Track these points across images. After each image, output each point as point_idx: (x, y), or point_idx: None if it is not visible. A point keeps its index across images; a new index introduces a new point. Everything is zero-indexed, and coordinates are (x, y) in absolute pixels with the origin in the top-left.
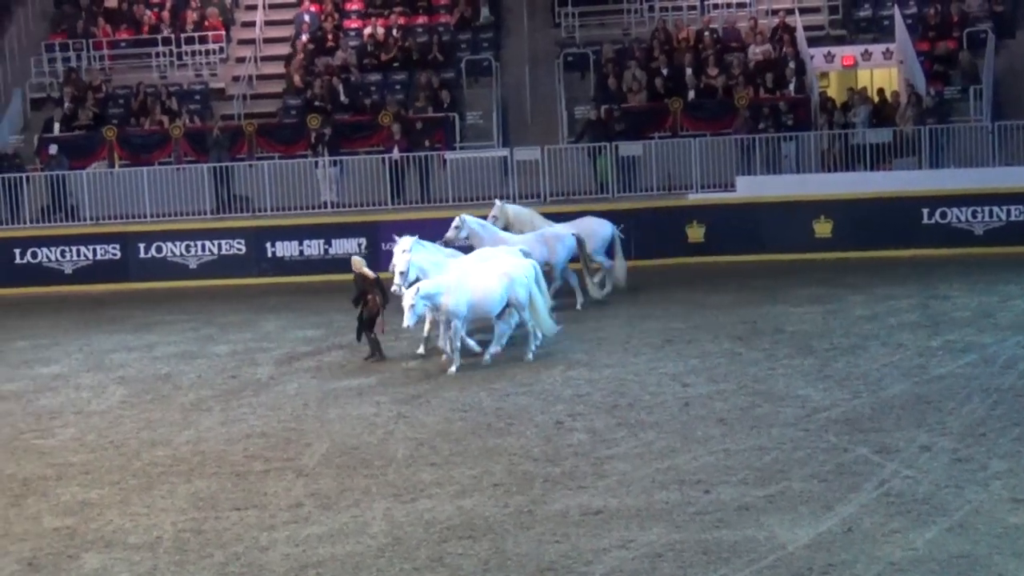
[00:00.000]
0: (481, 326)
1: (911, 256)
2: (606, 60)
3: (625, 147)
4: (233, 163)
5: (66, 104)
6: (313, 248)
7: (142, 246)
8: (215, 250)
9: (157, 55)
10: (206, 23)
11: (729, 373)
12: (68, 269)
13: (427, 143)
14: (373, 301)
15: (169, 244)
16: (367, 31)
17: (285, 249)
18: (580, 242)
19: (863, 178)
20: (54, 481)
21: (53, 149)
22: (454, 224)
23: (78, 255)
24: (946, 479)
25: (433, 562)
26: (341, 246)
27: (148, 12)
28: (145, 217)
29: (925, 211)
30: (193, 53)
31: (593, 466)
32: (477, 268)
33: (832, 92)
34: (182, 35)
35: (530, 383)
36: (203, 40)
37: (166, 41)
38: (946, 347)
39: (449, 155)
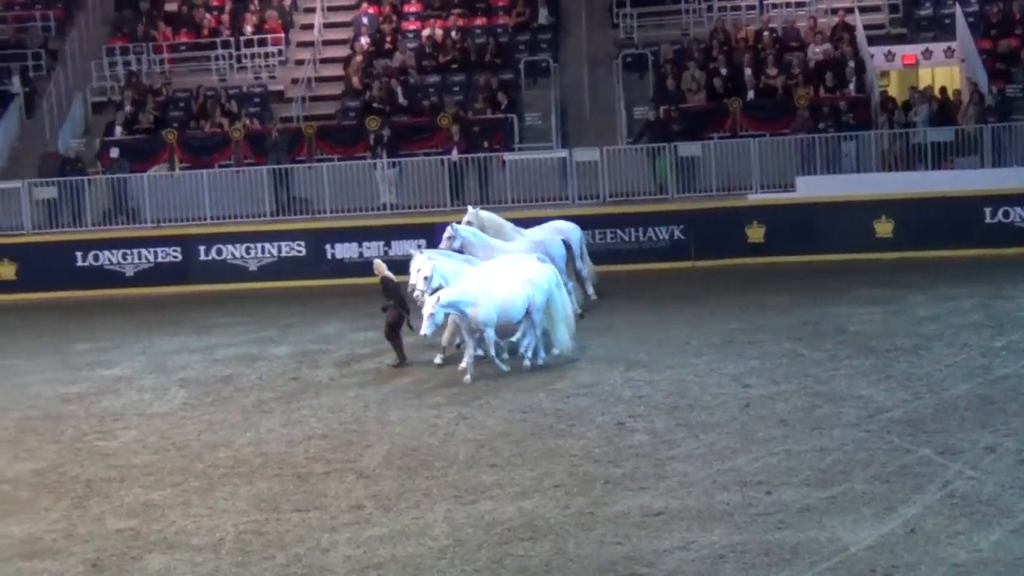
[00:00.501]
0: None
1: (973, 255)
2: (665, 60)
3: (684, 147)
4: (292, 165)
5: (127, 107)
6: (373, 250)
7: (202, 248)
8: (275, 252)
9: (217, 58)
10: (265, 26)
11: (790, 374)
12: (130, 272)
13: (486, 144)
14: (393, 309)
15: (229, 246)
16: (425, 33)
17: (345, 251)
18: (568, 247)
19: (924, 177)
20: (117, 483)
21: (114, 152)
22: (447, 234)
23: (139, 258)
24: (1011, 480)
25: (494, 564)
26: (401, 248)
27: (208, 15)
28: (205, 219)
29: (987, 210)
30: (252, 56)
31: (654, 467)
32: (499, 274)
33: (893, 91)
34: (241, 38)
35: (590, 384)
36: (262, 43)
37: (226, 44)
38: (1010, 347)
39: (508, 156)
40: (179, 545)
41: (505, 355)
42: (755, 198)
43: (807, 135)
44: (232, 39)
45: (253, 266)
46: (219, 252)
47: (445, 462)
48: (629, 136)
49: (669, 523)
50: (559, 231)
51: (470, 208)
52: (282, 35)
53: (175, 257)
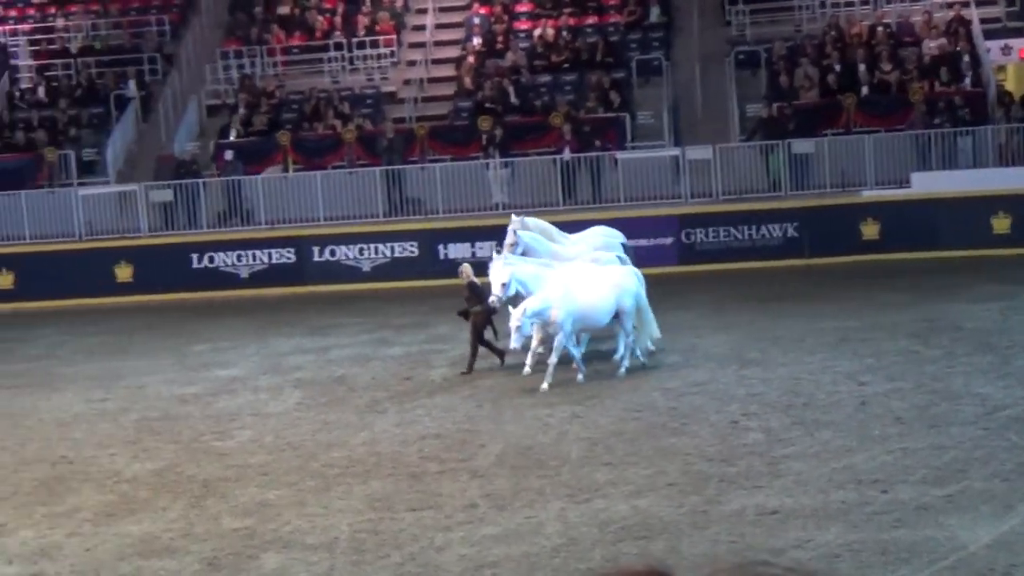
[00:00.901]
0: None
1: None
2: (778, 57)
3: (798, 144)
4: (405, 166)
5: (241, 110)
6: (485, 250)
7: (316, 249)
8: (388, 253)
9: (329, 60)
10: (377, 27)
11: (906, 371)
12: (244, 273)
13: (598, 143)
14: (478, 314)
15: (343, 247)
16: (537, 32)
17: (457, 251)
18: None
19: None
20: (233, 482)
21: (229, 155)
22: (508, 240)
23: (254, 259)
24: None
25: (608, 562)
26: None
27: (320, 18)
28: (319, 221)
29: None
30: (365, 57)
31: (768, 466)
32: (584, 278)
33: (1009, 85)
34: (354, 40)
35: (704, 383)
36: (375, 44)
37: (338, 46)
38: None
39: (620, 155)
40: (294, 544)
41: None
42: (869, 195)
43: (922, 131)
44: (344, 41)
45: (367, 266)
46: (333, 253)
47: (559, 461)
48: (742, 133)
49: (784, 522)
50: (607, 236)
51: (514, 217)
52: (394, 36)
53: (289, 258)
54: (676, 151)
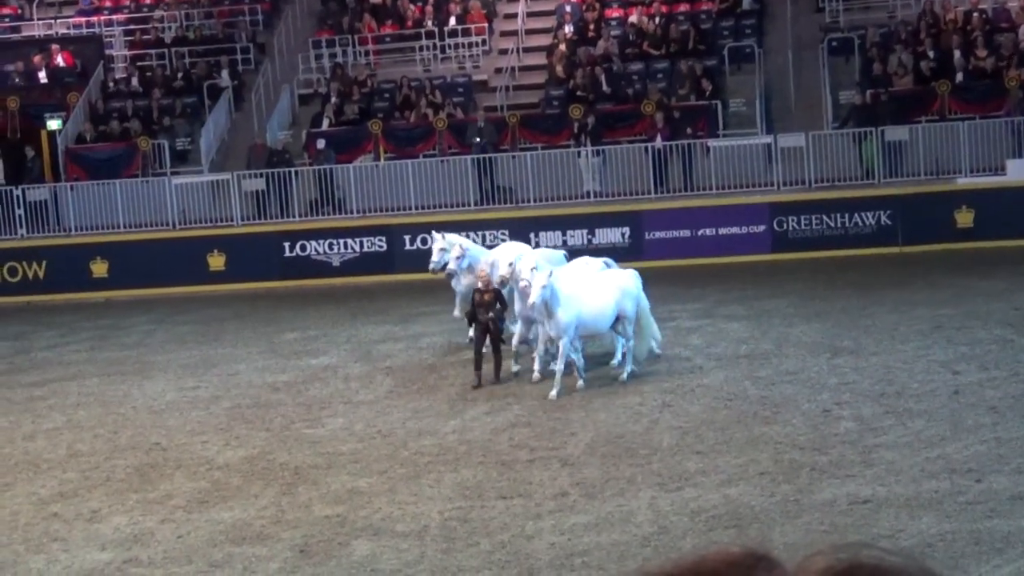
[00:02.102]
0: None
1: None
2: (871, 44)
3: (891, 131)
4: (496, 154)
5: (333, 99)
6: (576, 238)
7: (407, 238)
8: (480, 241)
9: (421, 49)
10: (469, 16)
11: (1000, 360)
12: (336, 261)
13: (690, 131)
14: (488, 319)
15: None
16: (629, 20)
17: (548, 239)
18: None
19: None
20: (324, 470)
21: (321, 144)
22: (454, 254)
23: (345, 248)
24: None
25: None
26: (604, 236)
27: (412, 7)
28: (410, 209)
29: None
30: (456, 46)
31: (861, 455)
32: (587, 280)
33: None
34: (445, 29)
35: (796, 371)
36: (466, 33)
37: (430, 35)
38: None
39: (712, 143)
40: (385, 531)
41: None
42: (964, 182)
43: (1018, 118)
44: (436, 30)
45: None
46: (424, 241)
47: (649, 449)
48: (835, 121)
49: (876, 511)
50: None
51: (435, 234)
52: (485, 25)
53: (380, 247)
54: (768, 139)
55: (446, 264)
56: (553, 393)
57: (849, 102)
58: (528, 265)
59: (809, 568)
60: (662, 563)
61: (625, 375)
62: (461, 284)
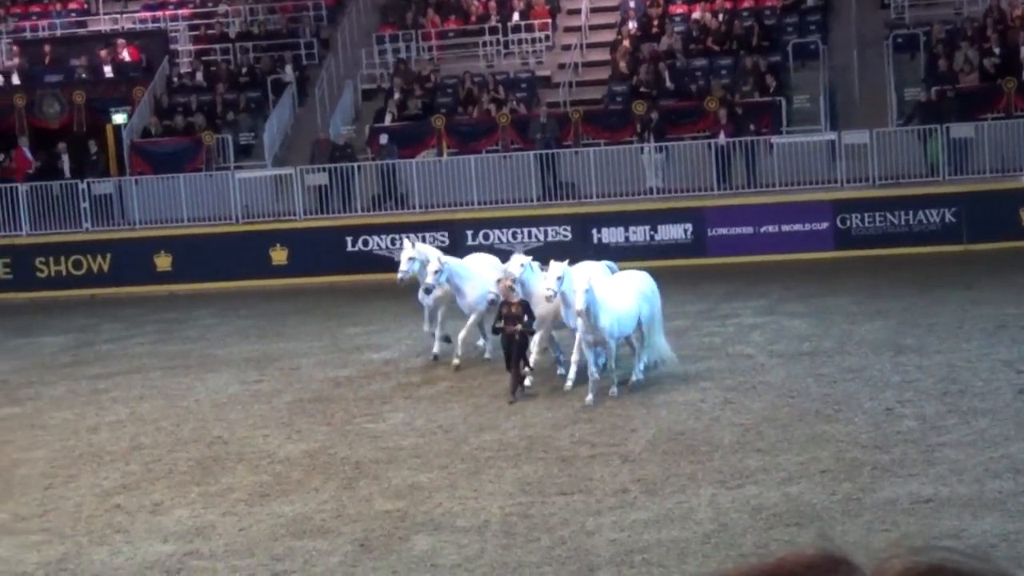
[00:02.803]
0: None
1: None
2: (936, 40)
3: (956, 129)
4: (559, 150)
5: (396, 94)
6: (639, 234)
7: (470, 233)
8: (541, 237)
9: (484, 44)
10: (532, 12)
11: None
12: (398, 256)
13: (753, 128)
14: (516, 331)
15: (496, 231)
16: (693, 16)
17: (611, 235)
18: None
19: None
20: (385, 464)
21: (384, 139)
22: (432, 268)
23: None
24: None
25: (759, 549)
26: (667, 232)
27: (475, 2)
28: (472, 204)
29: None
30: (520, 41)
31: (923, 454)
32: (609, 285)
33: None
34: (509, 24)
35: (858, 369)
36: (529, 28)
37: (493, 30)
38: None
39: (776, 139)
40: (445, 527)
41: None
42: None
43: None
44: (499, 25)
45: (520, 250)
46: (486, 237)
47: (710, 447)
48: (899, 118)
49: (939, 510)
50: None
51: (405, 241)
52: (549, 20)
53: (443, 242)
54: (832, 135)
55: (415, 274)
56: (589, 397)
57: (914, 99)
58: (555, 274)
59: (887, 571)
60: (739, 566)
61: (637, 376)
62: (429, 299)
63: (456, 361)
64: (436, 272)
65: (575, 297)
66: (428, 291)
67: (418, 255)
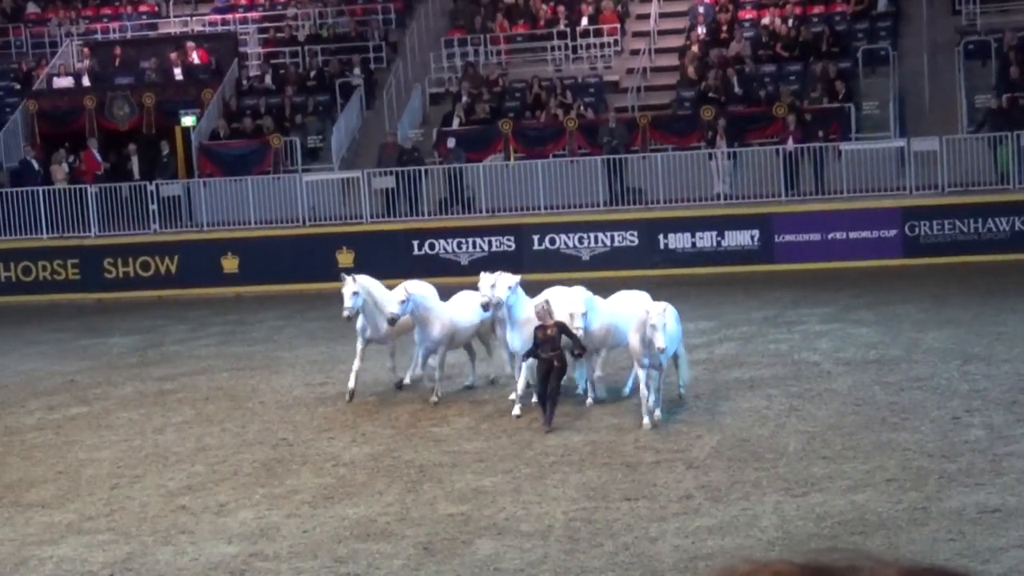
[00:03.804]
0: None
1: None
2: (1008, 47)
3: None
4: (626, 155)
5: (464, 98)
6: (706, 240)
7: (536, 238)
8: (608, 242)
9: (552, 49)
10: (601, 16)
11: None
12: (464, 260)
13: (821, 134)
14: (553, 356)
15: (563, 236)
16: (763, 21)
17: (677, 241)
18: None
19: None
20: (449, 468)
21: (451, 142)
22: (400, 298)
23: (474, 247)
24: None
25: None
26: (734, 238)
27: (544, 6)
28: (539, 209)
29: None
30: (588, 46)
31: (991, 463)
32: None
33: None
34: (577, 29)
35: (926, 377)
36: (598, 33)
37: (561, 35)
38: None
39: (844, 146)
40: (509, 531)
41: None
42: None
43: None
44: (568, 30)
45: (586, 255)
46: (552, 242)
47: (775, 454)
48: (970, 125)
49: (1006, 520)
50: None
51: (345, 277)
52: (617, 25)
53: (509, 246)
54: (901, 142)
55: (359, 310)
56: (646, 420)
57: (985, 106)
58: (500, 287)
59: None
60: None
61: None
62: (378, 331)
63: (435, 398)
64: (402, 302)
65: (656, 335)
66: (392, 322)
67: (360, 289)
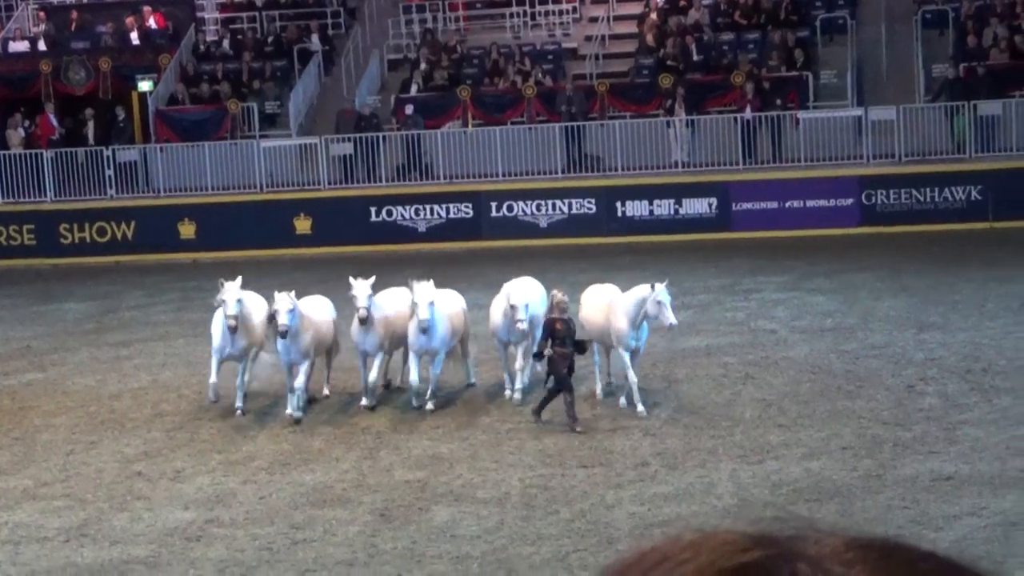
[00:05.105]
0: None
1: None
2: (966, 16)
3: (984, 106)
4: (584, 123)
5: (422, 65)
6: (663, 208)
7: (494, 205)
8: (565, 209)
9: (511, 16)
10: None
11: None
12: (422, 227)
13: (779, 103)
14: (565, 353)
15: (520, 203)
16: None
17: (635, 209)
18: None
19: None
20: (406, 435)
21: (409, 109)
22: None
23: (432, 213)
24: None
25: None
26: (692, 206)
27: None
28: (497, 176)
29: None
30: (547, 13)
31: (945, 431)
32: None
33: None
34: None
35: (881, 346)
36: (556, 0)
37: (520, 2)
38: None
39: (802, 115)
40: (465, 498)
41: None
42: None
43: None
44: None
45: (543, 223)
46: (510, 209)
47: (731, 421)
48: (927, 94)
49: (959, 488)
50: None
51: (225, 283)
52: None
53: (467, 213)
54: (859, 111)
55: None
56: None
57: (942, 75)
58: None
59: (829, 554)
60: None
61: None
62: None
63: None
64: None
65: (664, 311)
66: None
67: (242, 295)
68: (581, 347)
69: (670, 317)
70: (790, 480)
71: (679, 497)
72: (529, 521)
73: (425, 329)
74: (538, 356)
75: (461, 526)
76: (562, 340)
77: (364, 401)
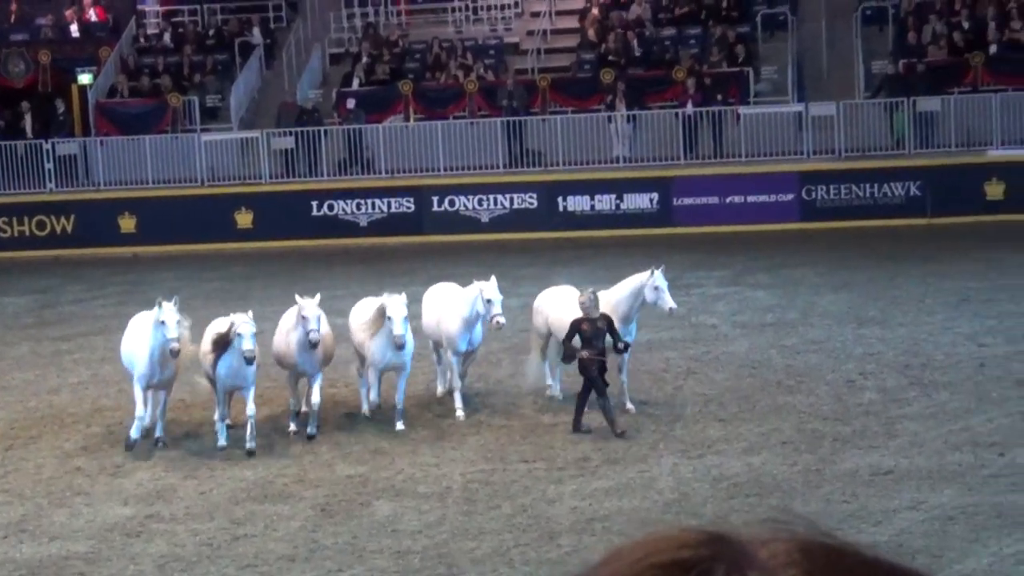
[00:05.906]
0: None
1: None
2: (906, 13)
3: (923, 102)
4: (526, 117)
5: (364, 59)
6: (605, 203)
7: (435, 199)
8: (507, 204)
9: (453, 10)
10: None
11: None
12: (363, 222)
13: (720, 98)
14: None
15: (462, 198)
16: None
17: (576, 204)
18: None
19: None
20: (347, 430)
21: (351, 103)
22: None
23: (373, 208)
24: None
25: (719, 519)
26: (633, 201)
27: None
28: (439, 171)
29: None
30: (489, 8)
31: (884, 426)
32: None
33: None
34: None
35: (821, 341)
36: None
37: None
38: None
39: (743, 110)
40: (406, 492)
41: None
42: (995, 154)
43: None
44: None
45: (485, 217)
46: (452, 203)
47: (672, 416)
48: (867, 90)
49: (898, 482)
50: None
51: (165, 304)
52: None
53: (408, 208)
54: (799, 107)
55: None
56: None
57: (882, 72)
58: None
59: (778, 553)
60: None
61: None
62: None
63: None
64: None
65: (663, 296)
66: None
67: (183, 319)
68: (616, 346)
69: (669, 301)
70: (731, 475)
71: (620, 492)
72: (470, 516)
73: (401, 345)
74: (567, 358)
75: (402, 521)
76: (590, 341)
77: (310, 429)
